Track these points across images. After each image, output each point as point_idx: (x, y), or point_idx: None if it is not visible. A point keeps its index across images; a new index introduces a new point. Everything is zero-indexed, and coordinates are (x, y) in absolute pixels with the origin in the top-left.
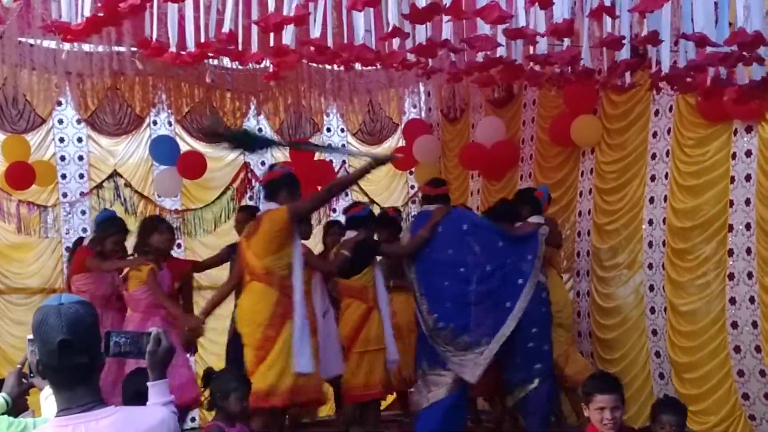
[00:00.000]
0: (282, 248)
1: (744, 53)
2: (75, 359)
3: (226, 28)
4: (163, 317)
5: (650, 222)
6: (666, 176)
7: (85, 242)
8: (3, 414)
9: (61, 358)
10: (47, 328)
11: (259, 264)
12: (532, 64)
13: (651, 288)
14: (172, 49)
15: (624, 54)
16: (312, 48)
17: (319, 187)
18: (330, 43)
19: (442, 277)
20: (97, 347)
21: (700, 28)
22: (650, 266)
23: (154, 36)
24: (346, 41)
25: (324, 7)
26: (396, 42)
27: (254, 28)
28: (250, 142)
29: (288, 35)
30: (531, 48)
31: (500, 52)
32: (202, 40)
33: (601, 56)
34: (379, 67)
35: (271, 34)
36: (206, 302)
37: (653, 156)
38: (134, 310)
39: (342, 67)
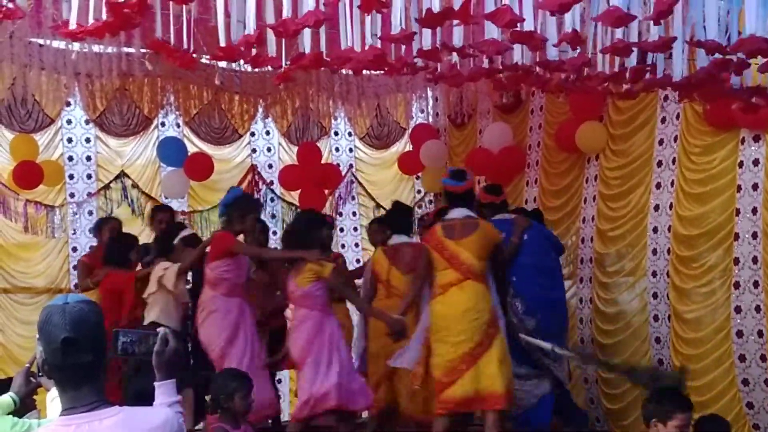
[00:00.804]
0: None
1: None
2: (79, 358)
3: (250, 30)
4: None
5: (655, 230)
6: (672, 184)
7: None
8: (9, 413)
9: (65, 357)
10: (51, 327)
11: (479, 265)
12: (540, 69)
13: (655, 296)
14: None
15: (631, 61)
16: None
17: (326, 191)
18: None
19: (533, 280)
20: (101, 346)
21: (711, 35)
22: (654, 274)
23: (171, 39)
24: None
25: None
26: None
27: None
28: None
29: (305, 40)
30: (539, 54)
31: (509, 57)
32: (222, 43)
33: (610, 63)
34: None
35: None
36: (402, 302)
37: (659, 163)
38: (305, 307)
39: (351, 71)
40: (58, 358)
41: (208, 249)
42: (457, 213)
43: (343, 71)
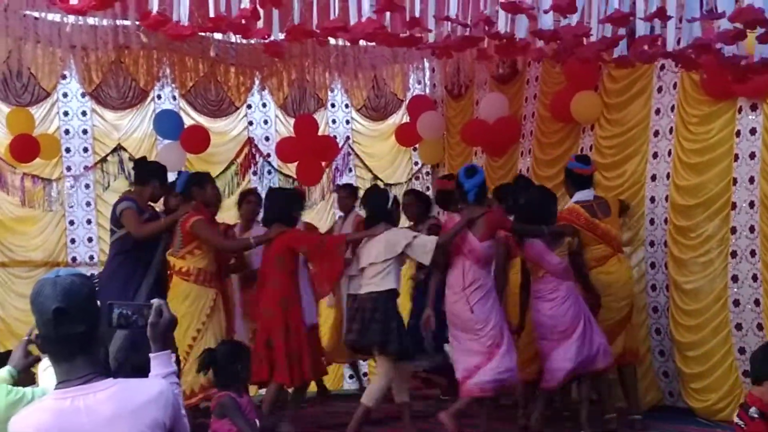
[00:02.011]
0: None
1: (748, 30)
2: (71, 328)
3: (246, 3)
4: None
5: (652, 199)
6: (669, 154)
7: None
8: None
9: (57, 328)
10: (42, 299)
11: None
12: (534, 39)
13: (652, 265)
14: (183, 22)
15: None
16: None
17: (323, 163)
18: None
19: None
20: (94, 318)
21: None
22: (652, 244)
23: (154, 8)
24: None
25: None
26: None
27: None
28: None
29: (295, 12)
30: (532, 24)
31: (502, 27)
32: (212, 14)
33: (603, 32)
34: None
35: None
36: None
37: (656, 133)
38: (558, 278)
39: (347, 43)
40: (51, 330)
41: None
42: (587, 194)
43: (340, 42)
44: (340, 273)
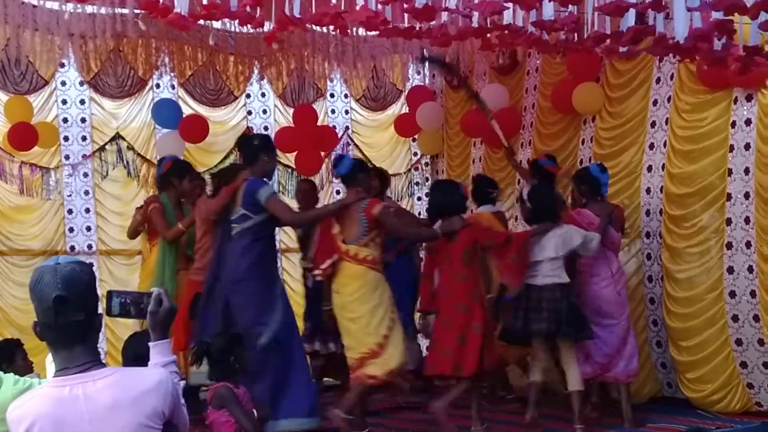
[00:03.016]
0: None
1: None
2: (71, 316)
3: None
4: None
5: (648, 190)
6: (664, 145)
7: None
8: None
9: (57, 316)
10: (43, 286)
11: None
12: (534, 29)
13: (648, 257)
14: (178, 10)
15: (629, 21)
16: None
17: (322, 153)
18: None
19: None
20: (93, 306)
21: None
22: (648, 235)
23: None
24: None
25: None
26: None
27: None
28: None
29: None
30: (535, 13)
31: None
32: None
33: (604, 24)
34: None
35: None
36: None
37: (653, 124)
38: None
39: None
40: (51, 318)
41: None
42: None
43: (338, 31)
44: (526, 268)
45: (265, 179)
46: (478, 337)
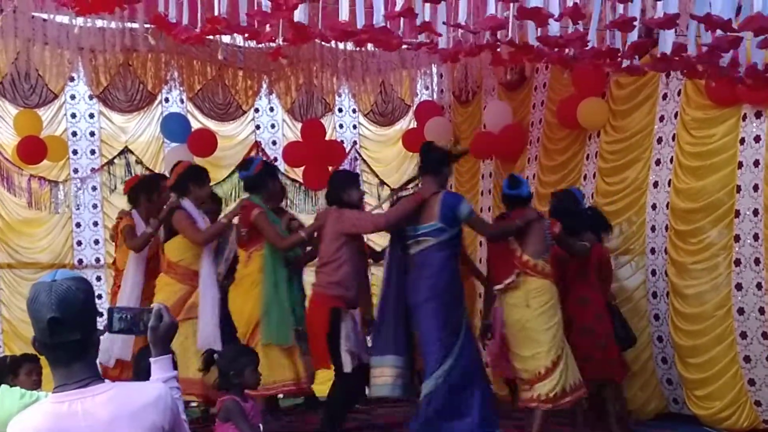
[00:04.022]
0: None
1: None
2: (67, 336)
3: (244, 8)
4: None
5: (654, 206)
6: (671, 161)
7: None
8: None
9: (53, 336)
10: (39, 306)
11: None
12: (541, 45)
13: (653, 272)
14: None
15: (634, 36)
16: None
17: (330, 167)
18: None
19: None
20: (90, 323)
21: (718, 11)
22: (653, 251)
23: (172, 14)
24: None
25: None
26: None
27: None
28: None
29: (301, 13)
30: (540, 30)
31: (512, 34)
32: (216, 13)
33: (614, 39)
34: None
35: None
36: None
37: (659, 140)
38: None
39: (356, 47)
40: (47, 337)
41: None
42: None
43: (348, 47)
44: None
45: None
46: (614, 344)
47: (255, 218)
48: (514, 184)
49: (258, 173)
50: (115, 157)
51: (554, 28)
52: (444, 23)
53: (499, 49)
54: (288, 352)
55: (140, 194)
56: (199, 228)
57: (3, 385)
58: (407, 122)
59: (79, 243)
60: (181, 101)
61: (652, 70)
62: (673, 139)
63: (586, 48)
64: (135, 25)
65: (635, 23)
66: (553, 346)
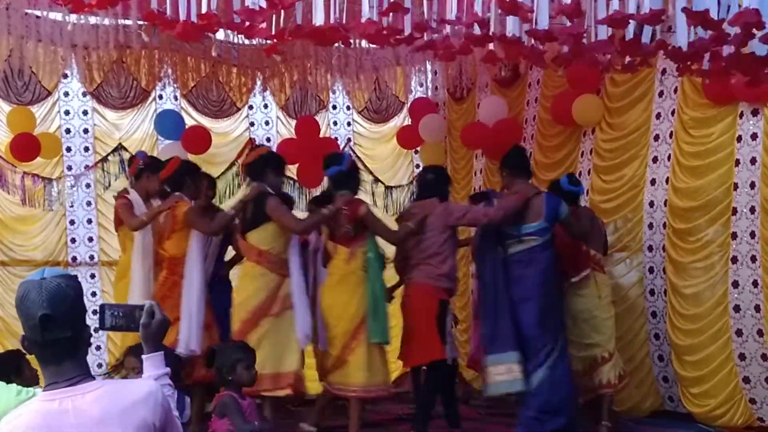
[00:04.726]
0: None
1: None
2: (58, 334)
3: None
4: None
5: (651, 204)
6: (669, 158)
7: None
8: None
9: (44, 333)
10: (29, 303)
11: None
12: (533, 40)
13: (651, 270)
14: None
15: (631, 35)
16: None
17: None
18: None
19: None
20: (80, 321)
21: (705, 6)
22: (650, 248)
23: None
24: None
25: None
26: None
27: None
28: None
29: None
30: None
31: (500, 29)
32: (204, 9)
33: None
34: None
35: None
36: None
37: (656, 137)
38: None
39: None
40: (37, 335)
41: None
42: None
43: (341, 43)
44: None
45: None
46: None
47: (365, 214)
48: (574, 181)
49: (350, 168)
50: (108, 155)
51: (543, 22)
52: (435, 20)
53: (491, 45)
54: (384, 354)
55: (186, 177)
56: (297, 216)
57: None
58: (401, 119)
59: (73, 240)
60: (175, 98)
61: (644, 56)
62: (671, 136)
63: (582, 43)
64: (128, 22)
65: (629, 20)
66: (612, 334)
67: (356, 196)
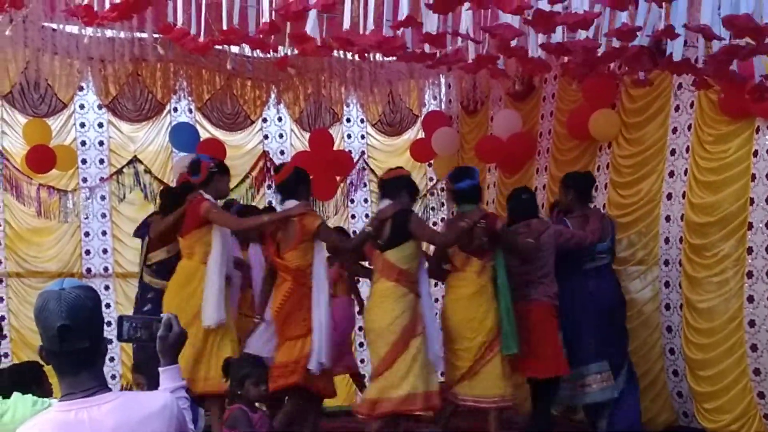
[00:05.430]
0: None
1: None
2: (76, 344)
3: (252, 18)
4: None
5: (667, 218)
6: (685, 173)
7: None
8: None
9: (62, 344)
10: (47, 314)
11: None
12: (546, 54)
13: (667, 284)
14: (193, 32)
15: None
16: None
17: (337, 177)
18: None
19: None
20: (98, 332)
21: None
22: (666, 263)
23: (179, 22)
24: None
25: None
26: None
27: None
28: None
29: (311, 23)
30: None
31: (522, 41)
32: (225, 27)
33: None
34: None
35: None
36: None
37: (672, 152)
38: None
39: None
40: (56, 345)
41: None
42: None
43: (355, 56)
44: None
45: None
46: None
47: (502, 228)
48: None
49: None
50: (123, 167)
51: (556, 36)
52: (449, 33)
53: (499, 63)
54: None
55: (301, 185)
56: (443, 231)
57: (16, 393)
58: (415, 132)
59: (88, 252)
60: (190, 111)
61: (659, 70)
62: (687, 151)
63: (596, 56)
64: (144, 35)
65: (638, 33)
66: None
67: (490, 210)
